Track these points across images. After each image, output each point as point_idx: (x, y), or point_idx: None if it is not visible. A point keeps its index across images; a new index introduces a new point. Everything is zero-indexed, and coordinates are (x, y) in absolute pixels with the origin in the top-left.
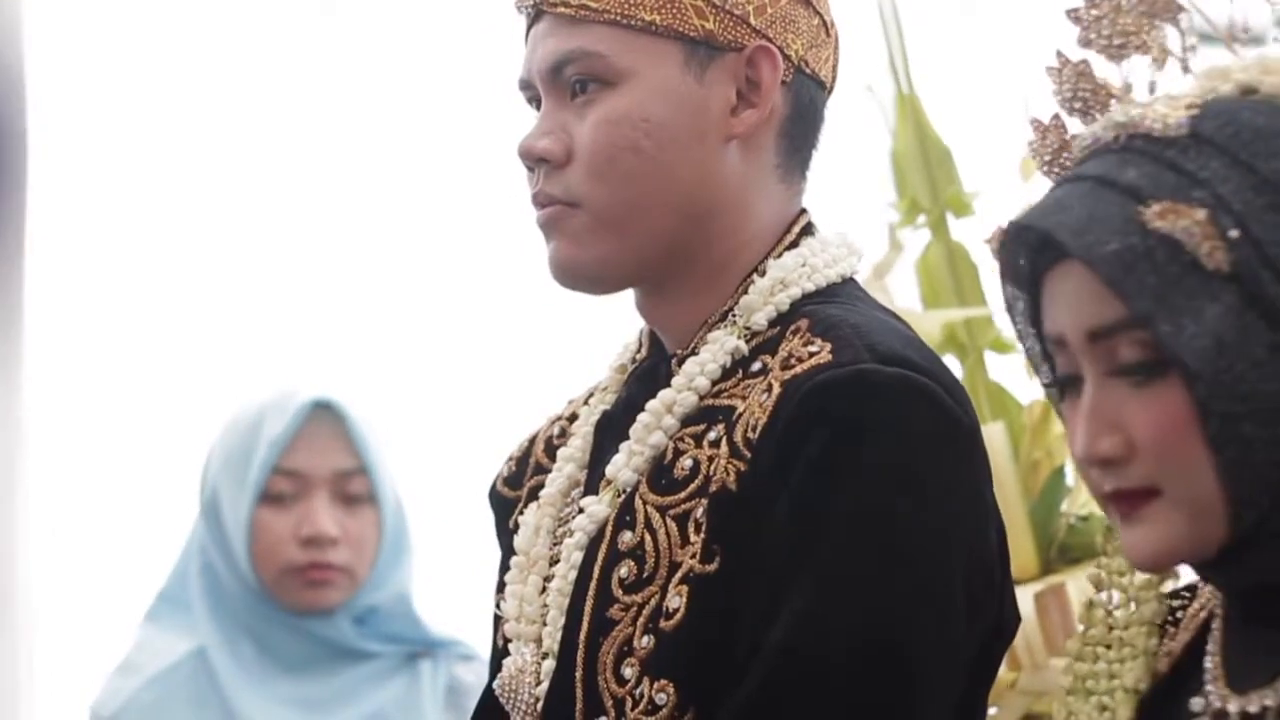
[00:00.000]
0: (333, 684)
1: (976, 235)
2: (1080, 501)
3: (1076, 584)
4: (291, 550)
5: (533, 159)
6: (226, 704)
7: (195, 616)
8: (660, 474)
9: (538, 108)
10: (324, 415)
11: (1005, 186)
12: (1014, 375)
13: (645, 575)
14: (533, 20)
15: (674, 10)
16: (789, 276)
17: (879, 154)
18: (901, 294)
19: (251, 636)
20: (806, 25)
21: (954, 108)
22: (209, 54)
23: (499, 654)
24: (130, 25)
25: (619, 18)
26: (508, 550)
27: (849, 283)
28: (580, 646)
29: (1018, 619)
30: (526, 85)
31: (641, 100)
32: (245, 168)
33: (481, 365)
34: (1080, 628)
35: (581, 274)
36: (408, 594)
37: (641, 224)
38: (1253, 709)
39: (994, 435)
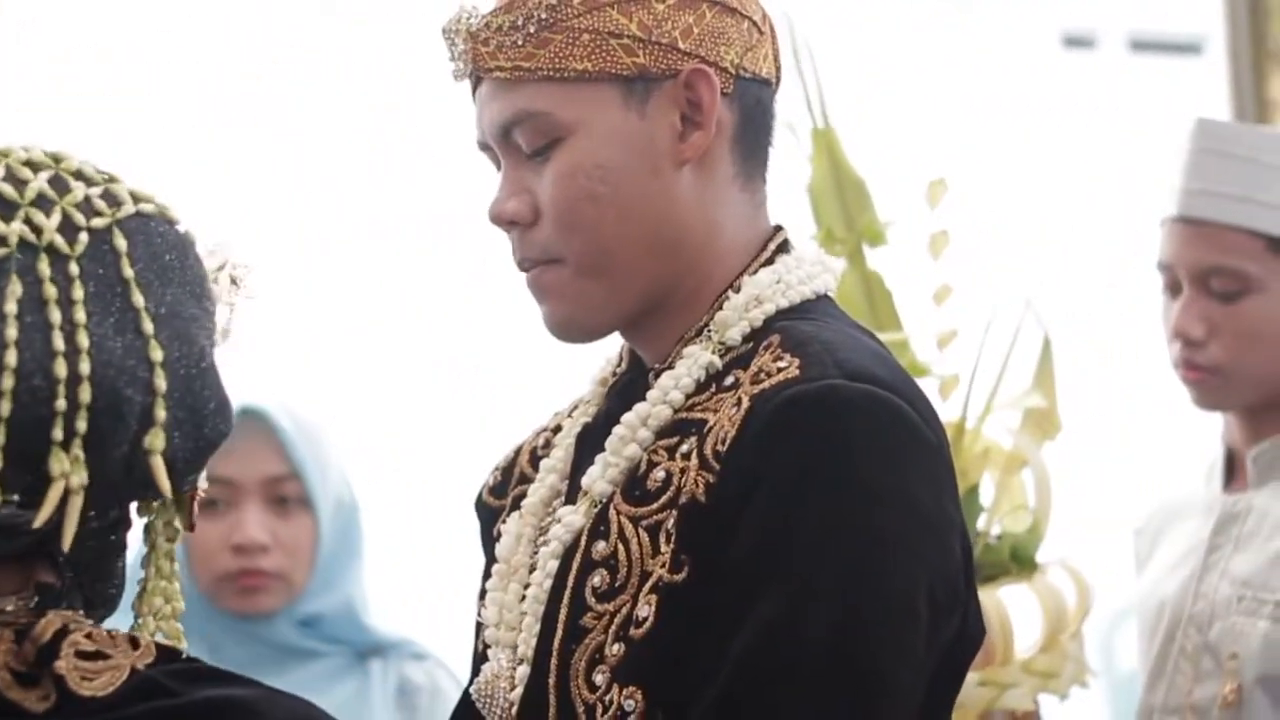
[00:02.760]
0: (281, 686)
1: (890, 263)
2: (994, 520)
3: (992, 600)
4: (224, 558)
5: (504, 222)
6: None
7: None
8: (634, 485)
9: (499, 166)
10: (253, 422)
11: (915, 215)
12: (930, 398)
13: (618, 584)
14: (475, 85)
15: (604, 54)
16: (763, 293)
17: (798, 187)
18: None
19: (203, 638)
20: (736, 32)
21: (867, 139)
22: (203, 51)
23: (479, 659)
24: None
25: (553, 72)
26: (491, 558)
27: (823, 299)
28: (554, 653)
29: (982, 630)
30: (485, 147)
31: (591, 148)
32: (235, 168)
33: (469, 378)
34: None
35: (577, 328)
36: (354, 602)
37: (620, 267)
38: None
39: None
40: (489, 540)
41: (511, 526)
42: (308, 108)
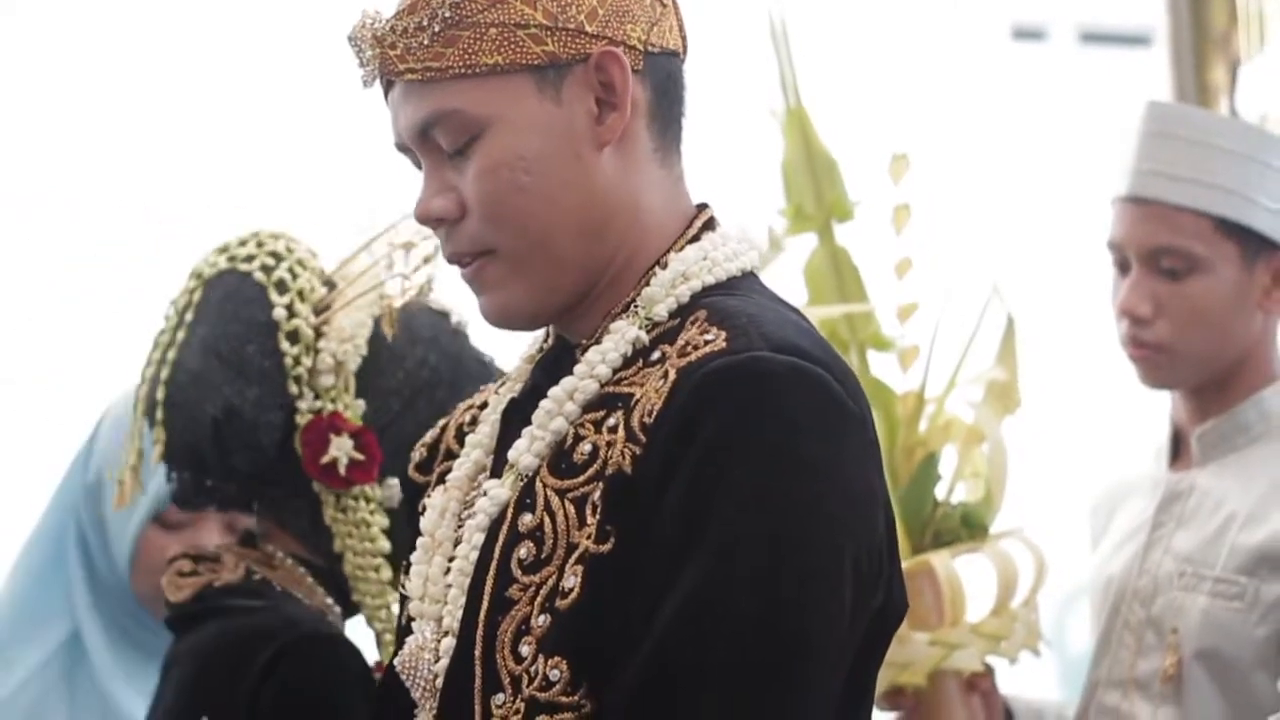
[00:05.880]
0: None
1: (858, 239)
2: (953, 488)
3: (942, 563)
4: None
5: (431, 221)
6: (105, 700)
7: (74, 600)
8: (560, 458)
9: (420, 167)
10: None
11: (881, 195)
12: (890, 369)
13: (544, 556)
14: (386, 89)
15: (512, 46)
16: (690, 269)
17: (772, 164)
18: (786, 295)
19: (127, 631)
20: (640, 8)
21: (838, 118)
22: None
23: (404, 632)
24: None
25: (464, 70)
26: (416, 532)
27: (749, 276)
28: (480, 625)
29: (905, 602)
30: (403, 149)
31: (510, 141)
32: (234, 167)
33: None
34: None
35: (514, 315)
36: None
37: (550, 255)
38: None
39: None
40: (415, 515)
41: (436, 500)
42: (309, 107)
